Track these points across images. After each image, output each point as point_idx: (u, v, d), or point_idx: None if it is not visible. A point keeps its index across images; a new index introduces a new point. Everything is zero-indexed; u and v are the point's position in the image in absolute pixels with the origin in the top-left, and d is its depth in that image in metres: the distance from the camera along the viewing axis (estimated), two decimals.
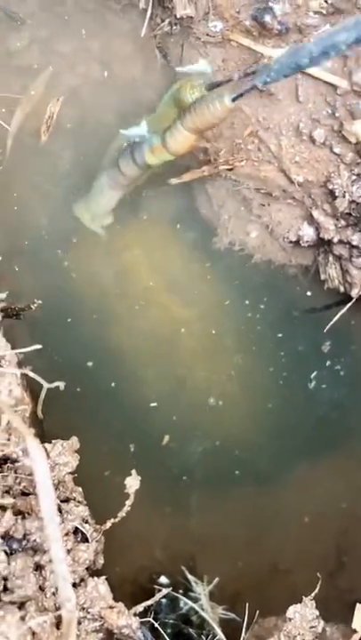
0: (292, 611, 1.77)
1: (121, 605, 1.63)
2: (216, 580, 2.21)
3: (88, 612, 1.61)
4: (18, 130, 2.28)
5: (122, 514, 1.71)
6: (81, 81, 2.39)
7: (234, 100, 1.84)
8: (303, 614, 1.78)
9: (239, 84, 1.90)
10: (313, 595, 1.79)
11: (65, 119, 2.39)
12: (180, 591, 2.19)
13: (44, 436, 1.90)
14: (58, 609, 1.57)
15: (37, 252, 2.43)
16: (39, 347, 1.61)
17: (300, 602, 1.78)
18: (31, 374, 1.54)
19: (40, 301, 1.98)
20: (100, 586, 1.64)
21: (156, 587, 2.25)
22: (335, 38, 1.47)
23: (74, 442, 1.80)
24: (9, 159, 2.29)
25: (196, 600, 2.14)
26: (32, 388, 2.00)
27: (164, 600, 2.21)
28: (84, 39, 2.31)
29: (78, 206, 2.42)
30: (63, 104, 2.31)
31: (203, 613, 2.07)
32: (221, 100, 1.86)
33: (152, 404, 2.41)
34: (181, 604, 2.21)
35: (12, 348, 1.75)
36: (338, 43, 1.47)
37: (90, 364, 2.40)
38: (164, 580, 2.31)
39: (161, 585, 2.29)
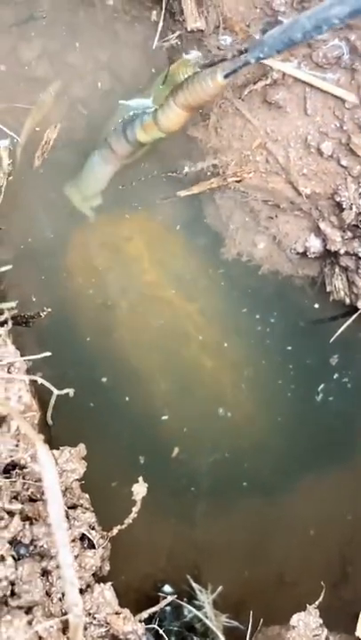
0: (295, 619, 1.78)
1: (127, 611, 1.64)
2: (220, 588, 2.21)
3: (94, 618, 1.62)
4: (27, 140, 2.30)
5: (128, 520, 1.72)
6: (89, 92, 2.40)
7: (226, 76, 1.84)
8: (307, 622, 1.78)
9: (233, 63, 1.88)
10: (317, 603, 1.80)
11: (74, 131, 2.40)
12: (185, 599, 2.19)
13: (51, 444, 1.91)
14: (64, 614, 1.59)
15: (44, 260, 2.44)
16: (49, 354, 1.62)
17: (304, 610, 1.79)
18: (41, 381, 1.55)
19: (49, 309, 1.99)
20: (106, 592, 1.65)
21: (160, 594, 2.26)
22: (329, 12, 1.47)
23: (81, 449, 1.81)
24: (18, 169, 2.31)
25: (200, 608, 2.14)
26: (40, 395, 2.01)
27: (168, 608, 2.21)
28: (93, 50, 2.33)
29: (69, 187, 2.42)
30: (72, 113, 2.32)
31: (207, 621, 2.07)
32: (214, 77, 1.86)
33: (163, 417, 2.41)
34: (185, 612, 2.21)
35: (21, 355, 1.77)
36: (331, 16, 1.47)
37: (104, 379, 2.41)
38: (167, 588, 2.31)
39: (165, 593, 2.29)
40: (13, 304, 1.94)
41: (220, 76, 1.85)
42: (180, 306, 2.46)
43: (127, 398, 2.40)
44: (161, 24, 2.07)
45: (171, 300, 2.46)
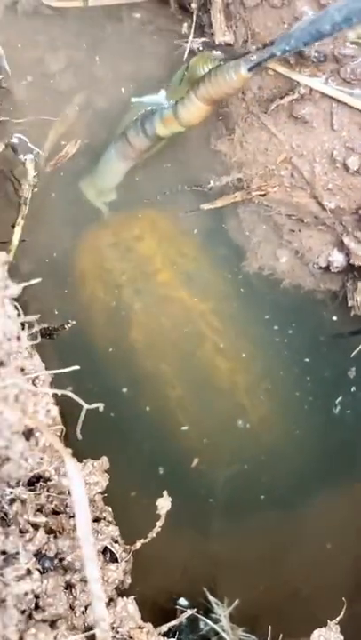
0: (316, 634, 1.78)
1: (150, 625, 1.64)
2: (236, 602, 2.21)
3: (117, 632, 1.62)
4: (51, 153, 2.31)
5: (152, 534, 1.72)
6: (112, 103, 2.40)
7: (250, 69, 1.83)
8: (328, 638, 1.78)
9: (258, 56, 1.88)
10: (338, 619, 1.79)
11: (95, 140, 2.41)
12: (200, 612, 2.19)
13: (73, 456, 1.90)
14: (87, 628, 1.59)
15: (64, 272, 2.44)
16: (77, 367, 1.62)
17: (322, 626, 1.78)
18: (71, 395, 1.55)
19: (74, 322, 1.99)
20: (129, 606, 1.65)
21: (177, 607, 2.25)
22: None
23: (104, 462, 1.81)
24: (43, 182, 2.32)
25: (216, 621, 2.14)
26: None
27: (184, 620, 2.21)
28: (118, 63, 2.33)
29: (84, 182, 2.41)
30: (94, 124, 2.33)
31: (223, 634, 2.07)
32: (238, 70, 1.85)
33: (183, 428, 2.40)
34: (201, 625, 2.21)
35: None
36: None
37: (124, 389, 2.41)
38: (183, 601, 2.31)
39: (181, 606, 2.29)
40: (35, 317, 1.93)
41: (243, 69, 1.84)
42: (193, 306, 2.45)
43: (148, 408, 2.40)
44: (191, 37, 2.07)
45: (184, 301, 2.44)
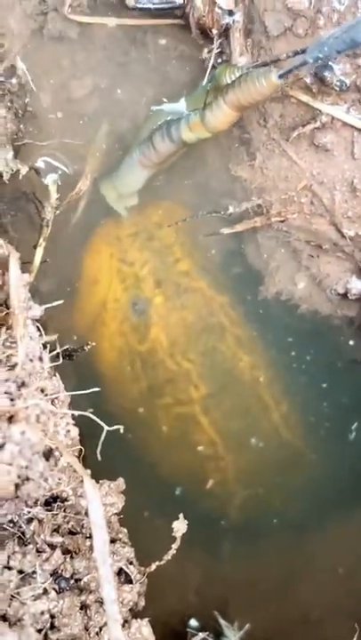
0: None
1: None
2: (248, 625, 2.21)
3: None
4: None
5: (167, 557, 1.73)
6: (133, 126, 2.42)
7: (281, 76, 1.81)
8: None
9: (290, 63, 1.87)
10: None
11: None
12: (211, 635, 2.19)
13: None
14: None
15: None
16: (97, 389, 1.64)
17: None
18: (92, 417, 1.57)
19: (94, 343, 2.01)
20: (143, 628, 1.66)
21: (188, 630, 2.25)
22: None
23: (120, 483, 1.82)
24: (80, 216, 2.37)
25: None
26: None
27: None
28: (141, 87, 2.36)
29: (105, 184, 2.38)
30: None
31: None
32: (268, 76, 1.83)
33: (199, 448, 2.39)
34: None
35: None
36: None
37: (140, 409, 2.40)
38: (194, 622, 2.31)
39: (192, 628, 2.29)
40: (54, 337, 1.95)
41: (274, 76, 1.82)
42: (212, 297, 2.43)
43: (164, 428, 2.38)
44: (211, 62, 2.09)
45: (204, 291, 2.43)
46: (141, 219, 2.45)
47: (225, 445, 2.40)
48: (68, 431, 1.56)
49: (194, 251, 2.46)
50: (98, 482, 1.80)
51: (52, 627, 1.56)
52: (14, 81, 2.10)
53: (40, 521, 1.65)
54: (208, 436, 2.38)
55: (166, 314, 2.36)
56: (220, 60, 2.12)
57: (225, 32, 2.05)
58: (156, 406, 2.38)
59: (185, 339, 2.37)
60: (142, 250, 2.40)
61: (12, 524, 1.60)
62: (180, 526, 1.73)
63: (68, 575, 1.63)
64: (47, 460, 1.57)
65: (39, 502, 1.63)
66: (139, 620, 1.67)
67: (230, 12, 2.00)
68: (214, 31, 2.03)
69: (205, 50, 2.15)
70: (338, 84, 1.89)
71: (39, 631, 1.50)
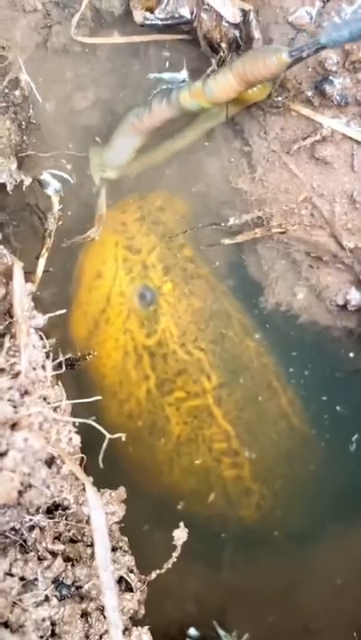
0: None
1: None
2: (246, 635, 2.21)
3: None
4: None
5: (168, 565, 1.74)
6: None
7: (291, 54, 1.77)
8: None
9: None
10: None
11: None
12: None
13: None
14: None
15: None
16: (99, 398, 1.65)
17: None
18: (94, 424, 1.58)
19: (95, 352, 2.01)
20: (143, 635, 1.66)
21: (187, 639, 2.26)
22: None
23: (121, 492, 1.82)
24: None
25: None
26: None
27: None
28: (142, 98, 2.36)
29: (94, 149, 2.34)
30: None
31: None
32: (279, 53, 1.79)
33: (196, 462, 2.38)
34: None
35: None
36: None
37: (139, 422, 2.38)
38: (193, 631, 2.31)
39: (191, 637, 2.30)
40: (52, 341, 1.95)
41: (285, 54, 1.78)
42: (215, 284, 2.42)
43: (176, 428, 2.36)
44: (215, 64, 2.09)
45: (208, 278, 2.42)
46: (145, 203, 2.42)
47: (240, 438, 2.38)
48: (71, 439, 1.56)
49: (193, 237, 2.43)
50: (99, 490, 1.80)
51: (53, 634, 1.57)
52: (18, 93, 2.11)
53: (42, 528, 1.65)
54: (222, 429, 2.36)
55: (175, 302, 2.33)
56: None
57: (232, 45, 2.06)
58: (166, 404, 2.35)
59: (194, 327, 2.34)
60: (149, 235, 2.37)
61: (14, 532, 1.60)
62: (180, 534, 1.73)
63: (69, 582, 1.63)
64: (49, 467, 1.58)
65: (41, 510, 1.63)
66: (139, 627, 1.67)
67: (236, 26, 2.02)
68: (223, 44, 2.04)
69: (213, 62, 2.15)
70: (338, 97, 1.92)
71: (41, 637, 1.51)
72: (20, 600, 1.52)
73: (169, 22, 2.04)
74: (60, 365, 1.69)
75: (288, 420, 2.46)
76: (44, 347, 1.62)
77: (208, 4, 1.98)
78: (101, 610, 1.62)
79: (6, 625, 1.50)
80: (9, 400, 1.45)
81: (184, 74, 2.22)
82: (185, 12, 2.02)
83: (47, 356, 1.61)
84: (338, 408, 2.49)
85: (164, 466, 2.40)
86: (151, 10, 2.02)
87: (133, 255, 2.34)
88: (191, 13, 2.02)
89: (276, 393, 2.45)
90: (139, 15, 2.02)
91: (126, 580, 1.73)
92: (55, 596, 1.58)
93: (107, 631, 1.60)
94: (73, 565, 1.67)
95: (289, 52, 1.77)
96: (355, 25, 1.59)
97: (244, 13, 1.97)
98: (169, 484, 2.42)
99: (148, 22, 2.03)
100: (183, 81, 2.21)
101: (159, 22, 2.03)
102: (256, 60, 1.83)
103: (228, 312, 2.42)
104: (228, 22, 2.00)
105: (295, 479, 2.49)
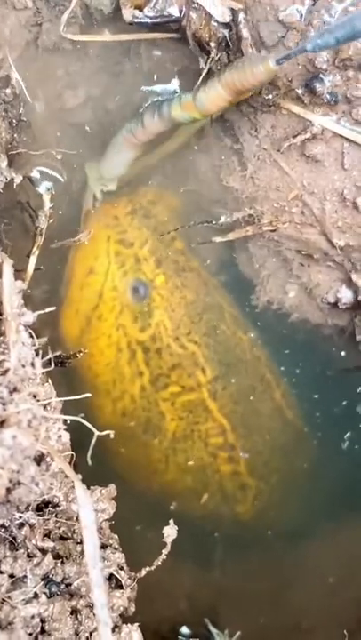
0: None
1: None
2: (238, 633, 2.21)
3: None
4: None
5: (157, 562, 1.73)
6: None
7: (278, 62, 1.78)
8: None
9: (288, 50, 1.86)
10: None
11: None
12: None
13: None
14: None
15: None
16: (89, 395, 1.65)
17: None
18: (83, 421, 1.58)
19: (87, 350, 2.01)
20: (133, 633, 1.66)
21: (179, 637, 2.26)
22: None
23: (111, 489, 1.82)
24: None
25: None
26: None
27: None
28: (133, 97, 2.37)
29: (90, 164, 2.35)
30: None
31: None
32: (265, 62, 1.80)
33: (189, 463, 2.38)
34: None
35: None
36: None
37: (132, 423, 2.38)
38: (185, 630, 2.31)
39: (183, 635, 2.29)
40: (43, 340, 1.95)
41: (271, 62, 1.79)
42: (207, 277, 2.42)
43: (156, 441, 2.36)
44: (205, 73, 2.09)
45: (199, 271, 2.42)
46: (135, 196, 2.42)
47: (235, 432, 2.38)
48: (60, 436, 1.56)
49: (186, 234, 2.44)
50: (89, 488, 1.80)
51: (43, 631, 1.57)
52: (9, 91, 2.11)
53: (31, 526, 1.65)
54: (218, 423, 2.36)
55: (168, 295, 2.33)
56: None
57: (222, 44, 2.06)
58: (161, 400, 2.34)
59: (188, 320, 2.34)
60: (141, 228, 2.36)
61: (3, 529, 1.60)
62: (170, 532, 1.73)
63: (58, 580, 1.63)
64: (38, 464, 1.58)
65: (31, 507, 1.63)
66: (129, 624, 1.67)
67: (226, 25, 2.02)
68: (212, 44, 2.04)
69: (202, 60, 2.15)
70: (328, 96, 1.92)
71: (30, 635, 1.51)
72: (9, 597, 1.52)
73: (158, 20, 2.04)
74: (49, 363, 1.69)
75: (282, 414, 2.47)
76: (34, 344, 1.62)
77: (197, 3, 1.98)
78: (91, 607, 1.62)
79: None
80: None
81: (175, 84, 2.23)
82: (174, 11, 2.02)
83: (37, 354, 1.61)
84: (330, 406, 2.49)
85: (159, 464, 2.40)
86: (140, 8, 2.02)
87: (126, 249, 2.34)
88: (180, 12, 2.02)
89: (270, 386, 2.45)
90: (128, 13, 2.02)
91: (116, 578, 1.73)
92: (44, 593, 1.58)
93: (96, 628, 1.60)
94: (63, 563, 1.67)
95: (276, 60, 1.78)
96: (341, 31, 1.58)
97: (234, 12, 1.97)
98: (164, 483, 2.42)
99: (137, 20, 2.03)
100: (174, 92, 2.23)
101: (148, 20, 2.03)
102: (244, 70, 1.84)
103: (221, 305, 2.42)
104: (217, 21, 1.99)
105: (290, 473, 2.49)
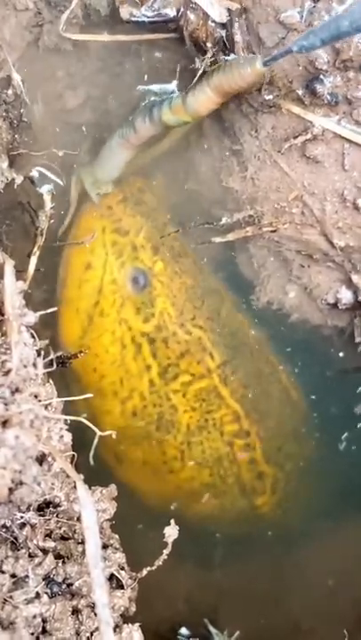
0: None
1: None
2: (237, 633, 2.21)
3: None
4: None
5: (158, 562, 1.74)
6: None
7: (265, 63, 1.80)
8: None
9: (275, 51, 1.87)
10: None
11: None
12: None
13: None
14: None
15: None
16: (90, 395, 1.65)
17: None
18: (85, 422, 1.58)
19: (87, 350, 2.01)
20: (134, 633, 1.66)
21: (179, 638, 2.26)
22: None
23: (112, 489, 1.82)
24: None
25: None
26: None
27: None
28: (133, 97, 2.37)
29: (84, 169, 2.34)
30: None
31: None
32: (253, 63, 1.82)
33: (190, 463, 2.37)
34: None
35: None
36: None
37: (141, 423, 2.36)
38: (184, 630, 2.31)
39: (182, 635, 2.30)
40: (44, 342, 1.95)
41: (259, 63, 1.81)
42: (203, 265, 2.42)
43: (170, 436, 2.34)
44: (201, 72, 2.09)
45: (194, 257, 2.41)
46: (125, 185, 2.40)
47: (249, 417, 2.37)
48: (62, 437, 1.57)
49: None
50: (90, 488, 1.80)
51: (44, 631, 1.57)
52: (10, 91, 2.12)
53: (33, 526, 1.65)
54: (232, 409, 2.34)
55: (168, 281, 2.31)
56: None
57: (219, 44, 2.06)
58: (172, 392, 2.32)
59: (190, 305, 2.32)
60: (135, 215, 2.35)
61: (4, 529, 1.60)
62: (171, 532, 1.73)
63: (60, 580, 1.63)
64: (40, 465, 1.58)
65: (32, 507, 1.64)
66: (130, 624, 1.67)
67: (223, 25, 2.02)
68: (208, 44, 2.04)
69: (198, 60, 2.15)
70: (329, 97, 1.92)
71: (31, 634, 1.51)
72: (11, 597, 1.52)
73: (155, 20, 2.05)
74: (51, 363, 1.69)
75: (289, 395, 2.46)
76: (35, 344, 1.62)
77: (195, 3, 1.98)
78: (92, 607, 1.63)
79: None
80: (0, 398, 1.45)
81: (173, 84, 2.23)
82: (171, 11, 2.03)
83: (38, 354, 1.61)
84: (328, 407, 2.49)
85: (175, 462, 2.37)
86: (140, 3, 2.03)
87: (122, 237, 2.33)
88: (178, 12, 2.03)
89: (276, 368, 2.45)
90: (125, 11, 2.02)
91: (117, 578, 1.73)
92: (46, 593, 1.58)
93: (97, 628, 1.60)
94: (64, 562, 1.67)
95: (263, 62, 1.79)
96: (325, 32, 1.59)
97: (231, 14, 1.97)
98: (180, 481, 2.40)
99: (134, 19, 2.04)
100: (172, 92, 2.22)
101: (145, 19, 2.04)
102: (232, 72, 1.86)
103: (218, 289, 2.42)
104: (214, 22, 2.00)
105: (303, 459, 2.49)
